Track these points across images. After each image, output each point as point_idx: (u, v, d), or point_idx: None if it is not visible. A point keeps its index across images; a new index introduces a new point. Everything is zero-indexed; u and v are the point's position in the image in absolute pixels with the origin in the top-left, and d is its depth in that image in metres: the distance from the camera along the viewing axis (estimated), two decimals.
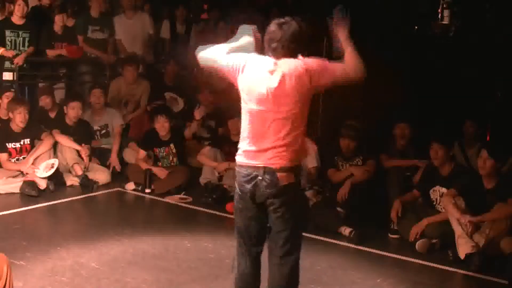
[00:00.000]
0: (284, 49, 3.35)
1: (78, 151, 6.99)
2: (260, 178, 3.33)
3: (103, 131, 7.64)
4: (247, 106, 3.41)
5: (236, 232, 3.52)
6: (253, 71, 3.39)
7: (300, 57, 3.37)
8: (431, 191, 5.72)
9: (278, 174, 3.31)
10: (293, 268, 3.48)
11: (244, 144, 3.43)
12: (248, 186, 3.36)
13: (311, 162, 6.26)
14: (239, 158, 3.43)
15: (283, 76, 3.30)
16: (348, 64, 3.39)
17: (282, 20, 3.43)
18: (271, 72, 3.33)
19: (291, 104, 3.31)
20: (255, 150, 3.36)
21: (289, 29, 3.37)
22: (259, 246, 3.52)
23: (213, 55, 3.53)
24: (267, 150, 3.33)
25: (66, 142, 6.95)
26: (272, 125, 3.33)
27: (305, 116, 3.40)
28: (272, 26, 3.41)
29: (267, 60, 3.39)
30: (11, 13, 7.65)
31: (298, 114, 3.35)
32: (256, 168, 3.34)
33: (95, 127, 7.57)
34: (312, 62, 3.35)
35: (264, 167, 3.32)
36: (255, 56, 3.46)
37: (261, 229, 3.47)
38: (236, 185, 3.45)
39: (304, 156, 3.67)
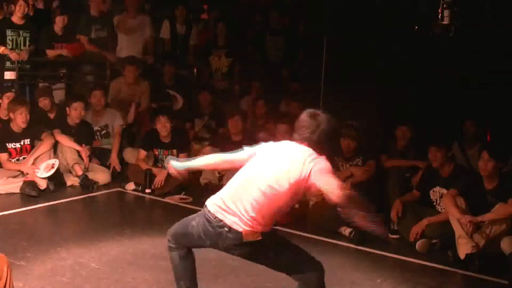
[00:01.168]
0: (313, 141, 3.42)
1: (78, 151, 6.99)
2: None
3: (104, 132, 7.64)
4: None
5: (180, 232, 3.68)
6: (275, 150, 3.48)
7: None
8: (431, 191, 5.72)
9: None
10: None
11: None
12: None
13: None
14: None
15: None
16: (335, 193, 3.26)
17: (315, 112, 3.52)
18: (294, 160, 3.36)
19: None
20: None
21: (323, 125, 3.44)
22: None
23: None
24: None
25: (66, 142, 6.96)
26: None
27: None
28: (305, 116, 3.49)
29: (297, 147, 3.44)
30: (11, 13, 7.66)
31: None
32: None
33: (96, 128, 7.57)
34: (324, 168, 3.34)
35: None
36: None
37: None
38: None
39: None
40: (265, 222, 3.41)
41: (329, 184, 3.25)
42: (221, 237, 3.43)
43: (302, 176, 3.32)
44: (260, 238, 3.40)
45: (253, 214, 3.36)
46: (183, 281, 3.70)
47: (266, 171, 3.40)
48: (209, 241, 3.52)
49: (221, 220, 3.41)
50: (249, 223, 3.37)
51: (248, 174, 3.47)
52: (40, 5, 8.19)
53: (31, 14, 8.02)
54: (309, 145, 3.42)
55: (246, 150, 3.61)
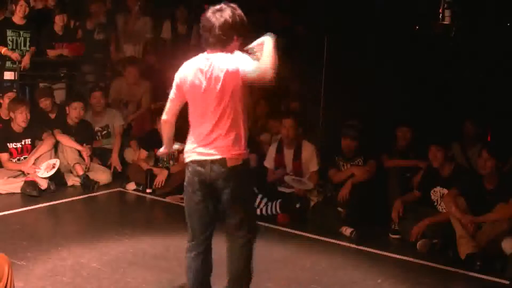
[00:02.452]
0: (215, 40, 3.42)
1: (79, 151, 6.99)
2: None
3: (104, 132, 7.65)
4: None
5: None
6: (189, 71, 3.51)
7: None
8: (431, 191, 5.72)
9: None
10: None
11: None
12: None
13: (312, 165, 6.25)
14: None
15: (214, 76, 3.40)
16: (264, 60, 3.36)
17: (217, 7, 3.46)
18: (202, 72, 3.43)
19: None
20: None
21: (222, 17, 3.41)
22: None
23: None
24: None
25: (67, 142, 6.96)
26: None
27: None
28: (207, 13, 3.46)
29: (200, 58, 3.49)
30: (12, 13, 7.67)
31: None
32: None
33: (96, 128, 7.58)
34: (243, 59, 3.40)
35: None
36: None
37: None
38: None
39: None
40: (237, 142, 3.45)
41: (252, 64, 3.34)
42: (206, 175, 3.47)
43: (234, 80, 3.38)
44: (241, 162, 3.45)
45: (225, 137, 3.42)
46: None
47: (205, 98, 3.44)
48: (200, 192, 3.53)
49: (203, 159, 3.46)
50: (226, 148, 3.43)
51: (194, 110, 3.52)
52: (40, 5, 8.18)
53: (34, 13, 8.02)
54: (212, 49, 3.44)
55: (171, 93, 3.66)
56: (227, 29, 3.41)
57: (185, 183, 3.63)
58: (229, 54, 3.44)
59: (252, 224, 3.73)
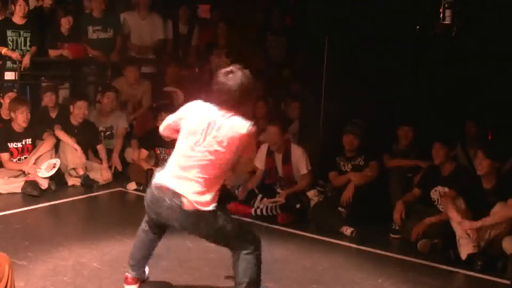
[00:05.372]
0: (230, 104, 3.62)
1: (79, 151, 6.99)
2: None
3: (108, 133, 7.64)
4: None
5: None
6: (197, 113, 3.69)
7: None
8: (432, 191, 5.72)
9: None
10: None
11: None
12: None
13: (302, 168, 6.24)
14: None
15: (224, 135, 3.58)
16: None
17: (227, 70, 3.64)
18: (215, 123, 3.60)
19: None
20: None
21: (237, 80, 3.59)
22: None
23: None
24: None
25: (65, 138, 6.91)
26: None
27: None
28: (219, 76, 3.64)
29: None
30: (12, 13, 7.67)
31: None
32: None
33: (100, 128, 7.57)
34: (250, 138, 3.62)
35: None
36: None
37: None
38: None
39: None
40: (211, 187, 3.63)
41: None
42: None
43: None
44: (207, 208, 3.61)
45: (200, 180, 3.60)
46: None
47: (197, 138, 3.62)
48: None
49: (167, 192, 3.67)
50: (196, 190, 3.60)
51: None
52: (46, 4, 8.17)
53: (34, 13, 8.01)
54: (227, 108, 3.60)
55: (174, 115, 3.85)
56: (243, 93, 3.60)
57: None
58: (239, 119, 3.61)
59: (242, 242, 3.79)
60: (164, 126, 3.94)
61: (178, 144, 3.76)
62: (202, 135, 3.62)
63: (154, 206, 3.78)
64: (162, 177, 3.74)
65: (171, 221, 3.75)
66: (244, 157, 3.84)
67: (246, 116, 3.63)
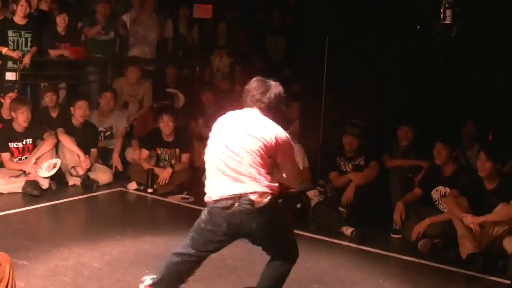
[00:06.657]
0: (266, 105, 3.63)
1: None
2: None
3: (108, 133, 7.64)
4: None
5: None
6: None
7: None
8: (433, 191, 5.72)
9: None
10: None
11: None
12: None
13: (300, 164, 6.23)
14: None
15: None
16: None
17: (261, 78, 3.71)
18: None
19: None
20: None
21: (272, 89, 3.63)
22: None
23: None
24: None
25: (68, 143, 6.92)
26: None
27: None
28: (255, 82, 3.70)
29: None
30: (13, 13, 7.67)
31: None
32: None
33: (100, 128, 7.57)
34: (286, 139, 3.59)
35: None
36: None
37: None
38: None
39: None
40: (266, 178, 3.50)
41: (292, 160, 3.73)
42: (234, 216, 3.49)
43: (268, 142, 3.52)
44: (271, 199, 3.48)
45: (254, 176, 3.48)
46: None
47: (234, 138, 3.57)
48: (223, 231, 3.59)
49: (229, 198, 3.49)
50: (255, 187, 3.47)
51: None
52: (44, 6, 8.18)
53: (35, 14, 8.01)
54: (259, 108, 3.62)
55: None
56: (279, 99, 3.65)
57: None
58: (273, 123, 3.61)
59: (290, 250, 3.77)
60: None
61: (212, 154, 3.64)
62: (240, 137, 3.56)
63: (228, 219, 3.54)
64: (216, 191, 3.59)
65: (246, 226, 3.54)
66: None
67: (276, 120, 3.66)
